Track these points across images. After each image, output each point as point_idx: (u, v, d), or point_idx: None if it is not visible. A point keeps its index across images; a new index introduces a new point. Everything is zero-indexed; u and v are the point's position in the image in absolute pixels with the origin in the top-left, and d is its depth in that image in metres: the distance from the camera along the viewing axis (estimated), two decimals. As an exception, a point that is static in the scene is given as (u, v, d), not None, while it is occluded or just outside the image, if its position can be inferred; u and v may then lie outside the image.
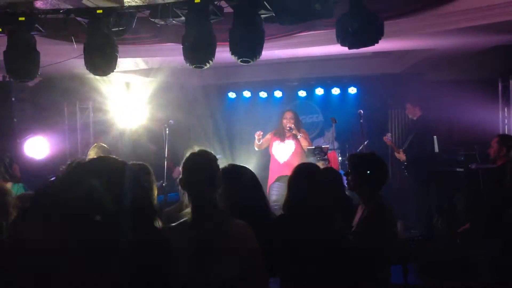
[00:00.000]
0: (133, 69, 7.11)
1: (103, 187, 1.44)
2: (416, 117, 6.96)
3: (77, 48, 4.46)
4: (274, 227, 2.62)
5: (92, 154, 5.37)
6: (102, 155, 5.31)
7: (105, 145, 5.49)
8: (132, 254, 1.44)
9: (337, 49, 4.88)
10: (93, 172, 1.49)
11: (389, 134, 7.31)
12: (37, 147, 6.00)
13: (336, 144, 7.75)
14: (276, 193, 6.67)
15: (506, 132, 6.74)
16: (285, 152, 6.73)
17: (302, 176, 2.73)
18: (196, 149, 2.41)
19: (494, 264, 4.16)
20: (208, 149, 2.46)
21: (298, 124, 6.82)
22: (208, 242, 2.19)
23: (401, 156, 6.88)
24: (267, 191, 6.85)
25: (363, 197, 3.00)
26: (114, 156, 1.60)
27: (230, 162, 7.52)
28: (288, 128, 6.63)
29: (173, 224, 2.32)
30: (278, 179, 6.67)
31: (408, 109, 7.07)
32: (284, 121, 6.72)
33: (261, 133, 6.79)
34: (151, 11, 4.05)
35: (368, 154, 3.26)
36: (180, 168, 2.37)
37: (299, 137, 6.64)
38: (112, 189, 1.46)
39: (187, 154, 2.38)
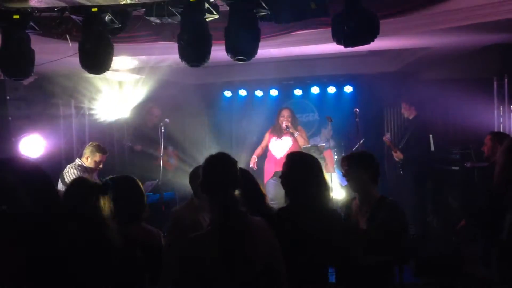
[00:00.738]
0: (128, 68, 7.09)
1: (15, 183, 1.55)
2: (412, 116, 6.99)
3: (72, 47, 4.44)
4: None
5: (87, 152, 5.37)
6: (97, 153, 5.31)
7: (100, 144, 5.49)
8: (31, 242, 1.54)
9: (333, 47, 4.89)
10: (8, 169, 1.62)
11: (388, 134, 7.35)
12: (33, 146, 5.97)
13: (332, 143, 7.76)
14: (273, 191, 6.68)
15: (501, 131, 6.77)
16: (282, 148, 6.75)
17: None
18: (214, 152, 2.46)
19: (488, 261, 4.18)
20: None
21: (295, 122, 6.84)
22: (238, 244, 2.21)
23: (399, 155, 6.90)
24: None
25: (364, 195, 3.13)
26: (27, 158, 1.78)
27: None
28: (285, 127, 6.64)
29: (200, 233, 2.34)
30: (275, 175, 6.69)
31: (404, 109, 7.10)
32: (281, 119, 6.74)
33: (255, 159, 6.83)
34: (146, 10, 4.03)
35: (357, 153, 3.41)
36: (200, 172, 2.39)
37: (296, 135, 6.66)
38: (24, 185, 1.57)
39: (207, 157, 2.41)
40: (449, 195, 7.14)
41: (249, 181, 2.79)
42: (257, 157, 6.96)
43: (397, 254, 2.97)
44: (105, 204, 2.34)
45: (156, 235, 2.95)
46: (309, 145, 6.58)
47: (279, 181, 6.82)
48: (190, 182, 3.50)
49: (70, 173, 5.19)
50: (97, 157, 5.29)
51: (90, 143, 5.55)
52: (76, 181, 2.59)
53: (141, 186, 3.04)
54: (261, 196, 2.86)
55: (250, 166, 6.88)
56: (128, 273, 2.25)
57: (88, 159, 5.29)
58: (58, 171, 5.31)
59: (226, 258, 2.19)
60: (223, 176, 2.31)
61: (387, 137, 7.21)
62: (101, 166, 5.35)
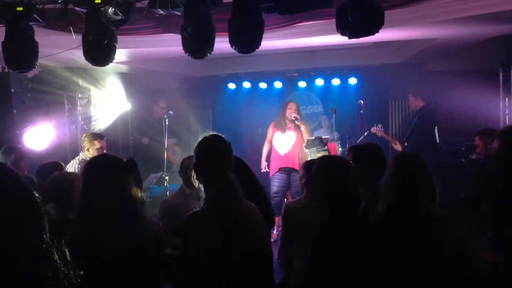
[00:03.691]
0: (132, 60, 7.08)
1: None
2: (418, 107, 6.96)
3: (76, 39, 4.44)
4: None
5: (86, 145, 5.31)
6: (94, 141, 5.24)
7: (94, 132, 5.45)
8: None
9: (338, 39, 4.86)
10: None
11: (380, 125, 7.17)
12: (37, 138, 5.98)
13: (336, 135, 7.75)
14: (277, 184, 6.70)
15: (507, 123, 6.74)
16: (286, 143, 6.73)
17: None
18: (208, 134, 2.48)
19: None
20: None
21: (301, 115, 6.83)
22: (234, 222, 2.21)
23: (398, 147, 6.88)
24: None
25: (364, 188, 2.99)
26: None
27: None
28: (294, 119, 6.62)
29: (197, 210, 2.35)
30: (279, 171, 6.70)
31: (410, 100, 7.07)
32: (289, 111, 6.70)
33: (265, 163, 6.88)
34: (149, 1, 4.01)
35: (365, 145, 3.29)
36: (193, 153, 2.41)
37: (302, 128, 6.64)
38: None
39: (199, 139, 2.42)
40: (454, 187, 7.11)
41: (243, 168, 2.77)
42: (267, 154, 6.94)
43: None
44: (132, 184, 2.38)
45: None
46: (313, 137, 6.56)
47: (284, 175, 6.86)
48: (180, 172, 3.68)
49: (73, 169, 5.13)
50: (96, 144, 5.22)
51: (84, 134, 5.50)
52: (105, 159, 2.58)
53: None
54: (256, 180, 2.83)
55: (262, 171, 6.92)
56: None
57: (89, 150, 5.24)
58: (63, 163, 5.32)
59: (224, 236, 2.18)
60: (216, 157, 2.32)
61: (377, 128, 7.06)
62: (104, 151, 5.26)
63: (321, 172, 2.76)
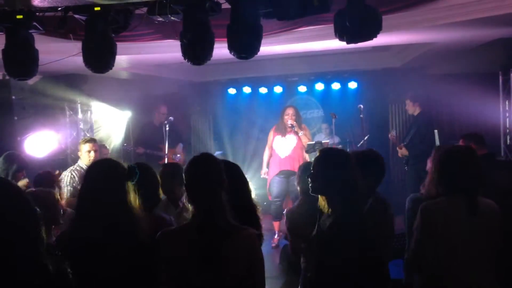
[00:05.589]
0: (132, 66, 7.11)
1: None
2: (417, 113, 6.97)
3: (76, 46, 4.45)
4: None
5: (79, 150, 5.29)
6: (83, 145, 5.19)
7: (85, 137, 5.44)
8: None
9: (337, 43, 4.87)
10: None
11: (394, 131, 7.32)
12: (38, 145, 5.99)
13: (336, 139, 7.75)
14: (277, 189, 6.69)
15: (507, 126, 6.75)
16: (286, 147, 6.73)
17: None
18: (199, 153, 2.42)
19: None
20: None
21: (299, 120, 6.82)
22: (208, 248, 2.14)
23: (404, 151, 6.87)
24: (267, 186, 6.88)
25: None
26: None
27: (230, 158, 7.56)
28: (290, 125, 6.63)
29: (173, 228, 2.35)
30: (279, 174, 6.69)
31: (408, 105, 7.08)
32: (286, 117, 6.71)
33: (266, 170, 6.87)
34: (148, 8, 4.03)
35: (364, 151, 3.26)
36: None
37: (300, 134, 6.64)
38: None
39: (190, 159, 2.37)
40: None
41: (236, 176, 2.71)
42: (268, 159, 6.93)
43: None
44: (130, 190, 2.37)
45: (168, 223, 2.91)
46: (313, 142, 6.56)
47: (283, 179, 6.83)
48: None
49: (67, 179, 5.02)
50: (85, 148, 5.13)
51: (80, 141, 5.50)
52: (103, 164, 2.58)
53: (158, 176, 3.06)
54: (247, 192, 2.77)
55: (262, 177, 6.91)
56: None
57: (82, 155, 5.21)
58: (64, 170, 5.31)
59: (195, 257, 2.15)
60: (199, 178, 2.25)
61: (392, 134, 7.18)
62: (92, 154, 5.12)
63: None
